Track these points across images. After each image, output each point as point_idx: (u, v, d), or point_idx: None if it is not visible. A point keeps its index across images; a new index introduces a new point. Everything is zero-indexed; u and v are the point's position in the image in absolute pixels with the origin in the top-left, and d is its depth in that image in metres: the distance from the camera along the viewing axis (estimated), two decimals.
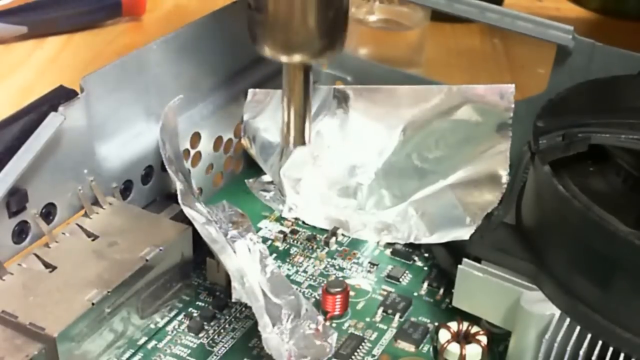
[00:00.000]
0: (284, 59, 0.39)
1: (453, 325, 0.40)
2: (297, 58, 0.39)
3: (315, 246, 0.47)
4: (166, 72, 0.44)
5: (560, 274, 0.36)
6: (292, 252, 0.47)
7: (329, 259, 0.46)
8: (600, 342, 0.35)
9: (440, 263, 0.45)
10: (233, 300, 0.37)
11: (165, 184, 0.46)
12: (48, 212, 0.40)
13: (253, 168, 0.51)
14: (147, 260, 0.39)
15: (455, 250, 0.43)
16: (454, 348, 0.39)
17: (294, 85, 0.40)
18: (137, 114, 0.44)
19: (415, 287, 0.45)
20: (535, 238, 0.38)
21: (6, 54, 0.66)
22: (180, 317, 0.42)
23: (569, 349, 0.35)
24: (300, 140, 0.41)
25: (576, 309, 0.36)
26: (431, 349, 0.41)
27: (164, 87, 0.44)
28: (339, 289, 0.42)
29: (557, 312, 0.36)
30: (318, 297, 0.43)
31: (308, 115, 0.40)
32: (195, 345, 0.40)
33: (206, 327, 0.41)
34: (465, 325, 0.40)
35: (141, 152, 0.44)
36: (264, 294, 0.38)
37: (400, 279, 0.45)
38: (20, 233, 0.39)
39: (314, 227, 0.49)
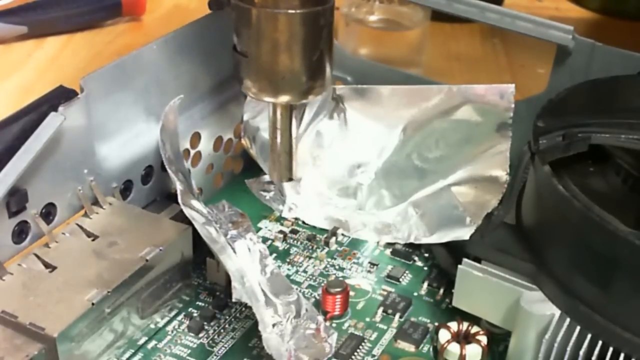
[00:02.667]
0: (270, 100, 0.40)
1: (453, 325, 0.40)
2: (283, 99, 0.40)
3: (315, 246, 0.47)
4: (166, 72, 0.44)
5: (560, 274, 0.36)
6: (292, 252, 0.47)
7: (329, 259, 0.46)
8: (600, 342, 0.35)
9: (440, 263, 0.45)
10: (233, 300, 0.37)
11: (165, 184, 0.46)
12: (48, 212, 0.40)
13: (253, 168, 0.51)
14: (147, 260, 0.39)
15: (455, 250, 0.43)
16: (454, 348, 0.39)
17: (280, 123, 0.41)
18: (137, 114, 0.44)
19: (415, 287, 0.45)
20: (535, 238, 0.38)
21: (6, 54, 0.66)
22: (180, 317, 0.42)
23: (569, 349, 0.35)
24: (287, 176, 0.43)
25: (576, 309, 0.36)
26: (431, 349, 0.41)
27: (164, 87, 0.44)
28: (339, 289, 0.42)
29: (557, 312, 0.36)
30: (318, 297, 0.43)
31: (294, 151, 0.42)
32: (195, 345, 0.40)
33: (206, 327, 0.41)
34: (465, 325, 0.40)
35: (141, 152, 0.44)
36: (264, 294, 0.38)
37: (400, 279, 0.45)
38: (20, 233, 0.39)
39: (314, 227, 0.49)
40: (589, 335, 0.35)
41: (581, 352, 0.35)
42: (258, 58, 0.39)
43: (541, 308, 0.37)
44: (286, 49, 0.39)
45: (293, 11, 0.38)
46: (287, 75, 0.39)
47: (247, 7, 0.38)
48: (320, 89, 0.40)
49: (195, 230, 0.39)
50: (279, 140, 0.42)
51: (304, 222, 0.49)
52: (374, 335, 0.41)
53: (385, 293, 0.44)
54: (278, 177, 0.42)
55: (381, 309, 0.43)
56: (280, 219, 0.49)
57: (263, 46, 0.39)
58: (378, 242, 0.48)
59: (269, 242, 0.47)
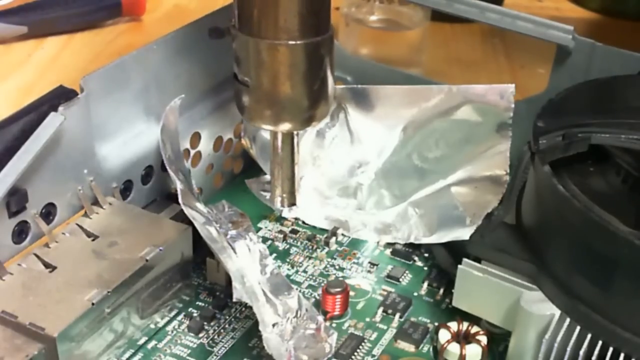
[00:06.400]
0: (271, 128, 0.40)
1: (453, 325, 0.40)
2: (284, 128, 0.40)
3: (315, 246, 0.47)
4: (166, 72, 0.44)
5: (560, 274, 0.36)
6: (292, 252, 0.47)
7: (329, 259, 0.46)
8: (600, 342, 0.35)
9: (440, 263, 0.45)
10: (234, 300, 0.37)
11: (165, 184, 0.46)
12: (48, 212, 0.40)
13: (253, 168, 0.51)
14: (147, 260, 0.39)
15: (455, 250, 0.43)
16: (454, 348, 0.39)
17: (282, 150, 0.41)
18: (137, 114, 0.44)
19: (415, 287, 0.45)
20: (535, 238, 0.38)
21: (6, 54, 0.66)
22: (180, 317, 0.42)
23: (569, 349, 0.35)
24: (291, 201, 0.43)
25: (576, 309, 0.36)
26: (431, 349, 0.41)
27: (164, 87, 0.44)
28: (339, 289, 0.42)
29: (557, 312, 0.36)
30: (318, 297, 0.43)
31: (296, 176, 0.42)
32: (195, 345, 0.40)
33: (206, 327, 0.41)
34: (465, 325, 0.40)
35: (141, 152, 0.44)
36: (264, 294, 0.38)
37: (400, 279, 0.45)
38: (20, 233, 0.39)
39: (314, 227, 0.49)
40: (589, 335, 0.35)
41: (581, 352, 0.35)
42: (259, 87, 0.39)
43: (541, 308, 0.37)
44: (287, 79, 0.39)
45: (294, 42, 0.38)
46: (288, 104, 0.39)
47: (247, 38, 0.38)
48: (321, 115, 0.41)
49: (195, 230, 0.40)
50: (281, 166, 0.42)
51: (304, 222, 0.49)
52: (374, 335, 0.41)
53: (385, 293, 0.44)
54: (280, 202, 0.43)
55: (381, 309, 0.43)
56: (280, 219, 0.49)
57: (264, 76, 0.39)
58: (378, 242, 0.48)
59: (269, 242, 0.47)
